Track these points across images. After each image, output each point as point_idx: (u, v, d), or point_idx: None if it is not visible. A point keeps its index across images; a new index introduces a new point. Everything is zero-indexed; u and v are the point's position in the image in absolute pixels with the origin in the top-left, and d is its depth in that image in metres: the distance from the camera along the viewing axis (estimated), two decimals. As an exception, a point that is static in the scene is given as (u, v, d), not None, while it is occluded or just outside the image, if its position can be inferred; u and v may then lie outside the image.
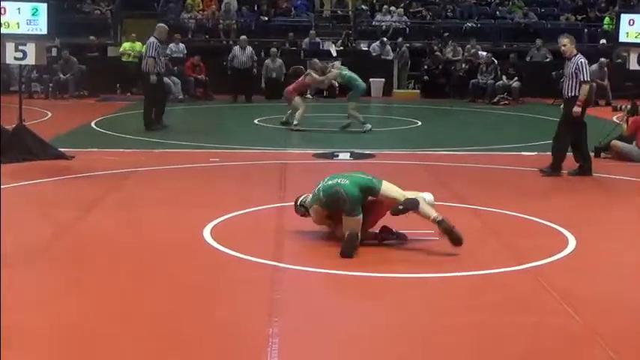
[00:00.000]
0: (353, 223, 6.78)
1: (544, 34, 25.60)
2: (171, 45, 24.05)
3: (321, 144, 13.62)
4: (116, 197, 9.13)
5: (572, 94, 10.69)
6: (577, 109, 10.63)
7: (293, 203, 7.45)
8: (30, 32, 11.28)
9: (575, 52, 10.77)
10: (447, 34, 25.38)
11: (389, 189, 6.98)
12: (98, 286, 5.89)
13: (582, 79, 10.65)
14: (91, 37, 24.54)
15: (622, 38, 12.86)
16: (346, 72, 16.08)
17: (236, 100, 21.42)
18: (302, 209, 7.28)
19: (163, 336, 4.97)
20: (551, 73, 22.22)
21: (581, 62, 10.70)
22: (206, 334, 4.96)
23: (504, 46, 25.73)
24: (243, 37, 22.84)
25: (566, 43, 10.80)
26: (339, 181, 6.92)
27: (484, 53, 23.50)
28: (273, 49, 23.17)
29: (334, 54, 24.64)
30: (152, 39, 15.02)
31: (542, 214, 8.20)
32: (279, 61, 22.82)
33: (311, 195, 7.17)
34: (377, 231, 7.14)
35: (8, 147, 11.06)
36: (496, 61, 22.91)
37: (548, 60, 23.85)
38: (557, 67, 22.28)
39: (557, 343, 4.93)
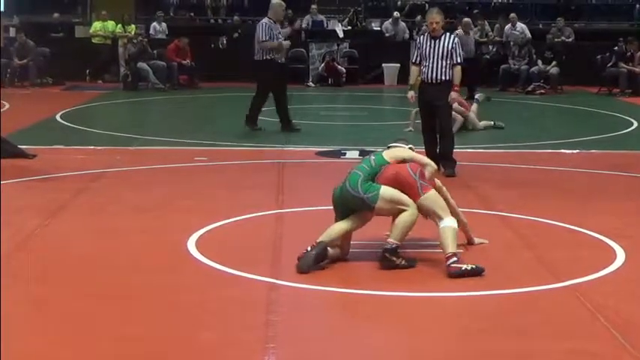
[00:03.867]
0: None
1: (587, 11, 25.61)
2: (154, 24, 24.09)
3: (325, 140, 13.64)
4: (85, 202, 9.14)
5: (446, 77, 10.75)
6: (456, 95, 10.88)
7: None
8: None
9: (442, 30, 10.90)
10: (476, 10, 25.39)
11: (386, 202, 6.78)
12: (63, 307, 5.89)
13: (457, 61, 10.75)
14: (55, 15, 24.58)
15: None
16: None
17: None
18: None
19: (140, 365, 4.98)
20: (595, 57, 22.23)
21: (457, 41, 10.90)
22: (190, 363, 4.97)
23: (541, 25, 25.75)
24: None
25: (439, 20, 10.82)
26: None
27: (523, 25, 23.42)
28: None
29: (341, 35, 24.68)
30: (264, 20, 14.38)
31: (585, 223, 8.19)
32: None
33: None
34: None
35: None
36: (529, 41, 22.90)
37: (573, 40, 23.76)
38: (602, 50, 22.34)
39: (602, 374, 4.94)
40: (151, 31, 23.97)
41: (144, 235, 7.77)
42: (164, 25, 24.18)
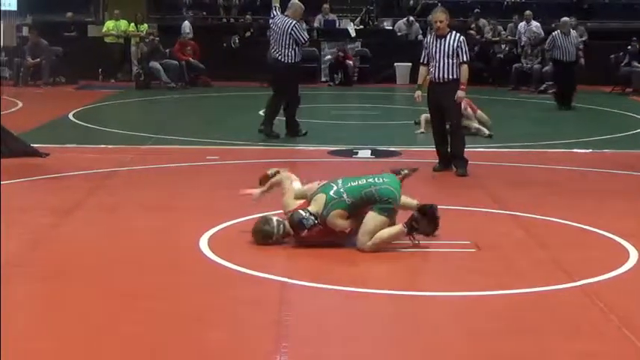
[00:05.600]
0: (380, 225, 7.12)
1: (600, 10, 25.51)
2: (187, 22, 24.12)
3: (337, 139, 13.63)
4: (97, 201, 9.16)
5: (453, 76, 10.76)
6: (463, 94, 10.86)
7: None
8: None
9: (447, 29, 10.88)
10: (476, 10, 25.32)
11: (405, 198, 7.47)
12: (75, 305, 5.90)
13: (463, 59, 10.76)
14: (68, 14, 24.65)
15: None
16: None
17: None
18: (312, 222, 7.20)
19: (152, 364, 4.99)
20: (609, 56, 22.17)
21: (463, 39, 10.90)
22: (202, 361, 4.98)
23: (553, 25, 25.64)
24: None
25: (443, 19, 10.79)
26: (372, 180, 7.22)
27: (538, 24, 23.40)
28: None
29: (353, 34, 24.67)
30: (291, 21, 13.57)
31: (598, 222, 8.17)
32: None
33: (316, 206, 7.20)
34: None
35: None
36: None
37: (578, 39, 23.57)
38: (615, 49, 22.27)
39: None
40: (187, 30, 24.01)
41: (156, 234, 7.78)
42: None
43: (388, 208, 7.14)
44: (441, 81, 10.82)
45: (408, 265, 6.99)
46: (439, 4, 26.19)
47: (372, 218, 7.12)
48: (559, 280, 6.48)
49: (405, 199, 7.42)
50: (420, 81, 11.29)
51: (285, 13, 13.84)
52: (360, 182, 7.23)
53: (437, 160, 11.05)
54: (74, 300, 6.00)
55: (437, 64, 10.81)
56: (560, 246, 7.52)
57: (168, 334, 5.37)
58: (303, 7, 14.16)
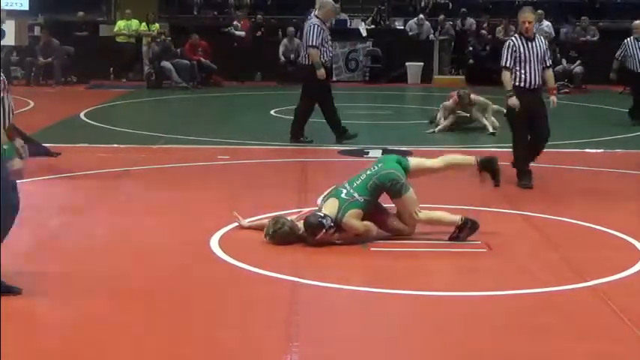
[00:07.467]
0: (412, 200, 7.41)
1: (613, 10, 25.45)
2: (235, 22, 24.15)
3: (348, 139, 13.60)
4: (109, 200, 9.18)
5: (541, 81, 10.15)
6: (556, 99, 10.49)
7: (309, 230, 7.21)
8: (9, 7, 11.36)
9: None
10: (463, 9, 25.22)
11: (419, 162, 7.80)
12: (85, 304, 5.91)
13: (549, 64, 10.22)
14: (80, 14, 24.70)
15: None
16: None
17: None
18: (330, 221, 7.17)
19: (163, 363, 4.99)
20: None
21: (547, 42, 10.47)
22: (213, 361, 4.98)
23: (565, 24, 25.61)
24: (291, 28, 23.19)
25: (532, 19, 10.12)
26: (369, 172, 7.42)
27: (549, 23, 23.36)
28: (291, 29, 23.28)
29: (364, 34, 24.66)
30: (314, 20, 13.01)
31: (610, 223, 8.15)
32: (297, 41, 22.86)
33: (329, 210, 7.26)
34: None
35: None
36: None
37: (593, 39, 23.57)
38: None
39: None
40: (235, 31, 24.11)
41: (167, 233, 7.79)
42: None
43: (400, 186, 7.35)
44: (533, 87, 10.07)
45: (419, 265, 6.99)
46: (450, 4, 26.30)
47: (401, 204, 7.41)
48: (570, 281, 6.47)
49: (418, 163, 7.72)
50: (509, 86, 10.05)
51: (315, 14, 13.32)
52: (362, 178, 7.40)
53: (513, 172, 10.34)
54: (84, 299, 6.01)
55: (529, 69, 9.99)
56: (571, 246, 7.50)
57: (179, 333, 5.37)
58: (336, 6, 13.39)
